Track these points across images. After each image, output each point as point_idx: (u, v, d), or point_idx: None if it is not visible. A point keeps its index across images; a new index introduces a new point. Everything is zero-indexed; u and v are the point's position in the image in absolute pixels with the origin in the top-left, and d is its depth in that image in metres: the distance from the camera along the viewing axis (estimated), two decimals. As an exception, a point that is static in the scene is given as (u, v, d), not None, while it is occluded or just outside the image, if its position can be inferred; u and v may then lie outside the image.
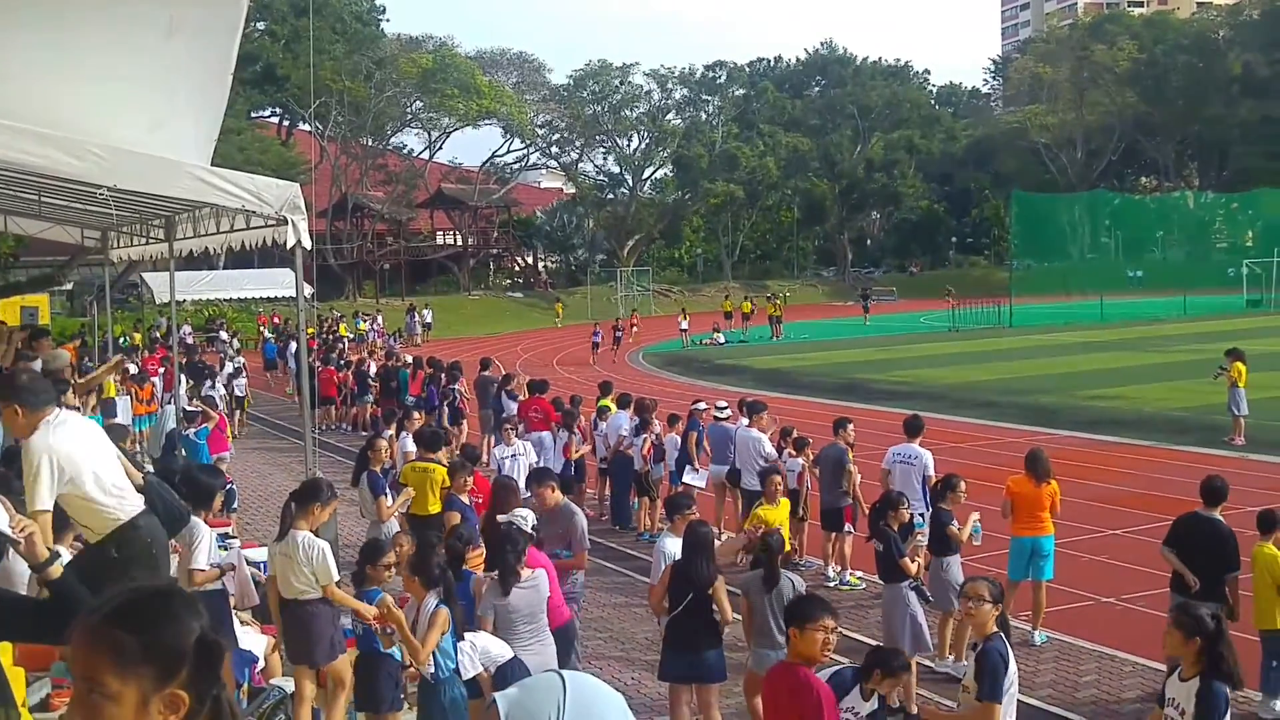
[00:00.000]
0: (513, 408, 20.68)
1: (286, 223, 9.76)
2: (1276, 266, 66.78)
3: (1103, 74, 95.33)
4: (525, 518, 9.93)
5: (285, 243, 9.96)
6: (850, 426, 14.98)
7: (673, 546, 9.69)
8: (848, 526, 14.52)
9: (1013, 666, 6.84)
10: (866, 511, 12.81)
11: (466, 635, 8.28)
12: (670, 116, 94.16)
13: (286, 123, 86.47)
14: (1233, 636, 10.39)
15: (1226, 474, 11.63)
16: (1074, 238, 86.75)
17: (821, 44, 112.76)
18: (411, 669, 8.58)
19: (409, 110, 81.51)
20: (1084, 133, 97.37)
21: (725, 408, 17.57)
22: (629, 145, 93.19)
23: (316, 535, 8.94)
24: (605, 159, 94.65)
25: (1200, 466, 17.97)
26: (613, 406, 18.88)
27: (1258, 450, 22.30)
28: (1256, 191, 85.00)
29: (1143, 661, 11.11)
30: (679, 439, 17.28)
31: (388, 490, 13.09)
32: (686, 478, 16.58)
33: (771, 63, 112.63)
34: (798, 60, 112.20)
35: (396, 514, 13.08)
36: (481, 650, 8.26)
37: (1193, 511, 10.50)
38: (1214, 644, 6.44)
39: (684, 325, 55.43)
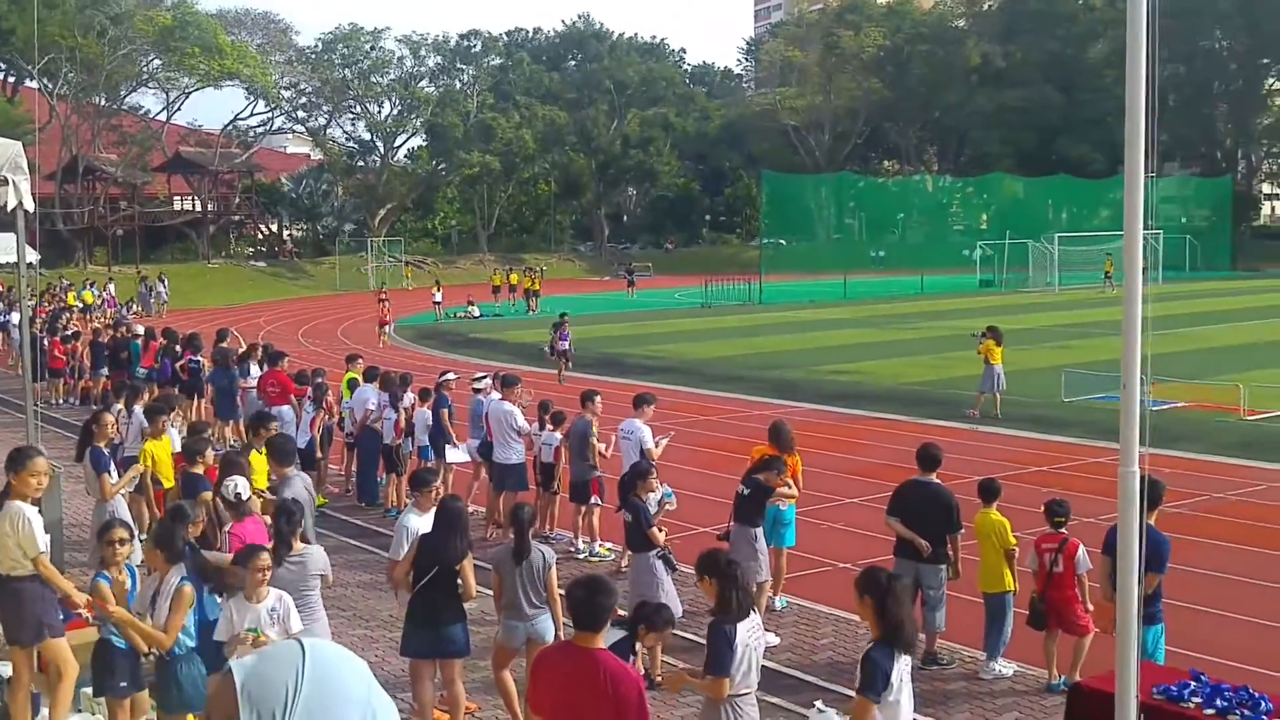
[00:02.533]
0: (252, 381, 20.09)
1: (6, 183, 9.28)
2: (1007, 249, 70.92)
3: (849, 60, 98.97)
4: (235, 483, 9.79)
5: (5, 204, 9.48)
6: (598, 399, 15.17)
7: (415, 522, 9.61)
8: (595, 499, 14.72)
9: (741, 638, 7.00)
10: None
11: (274, 592, 8.08)
12: (424, 84, 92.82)
13: (12, 79, 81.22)
14: (959, 598, 11.11)
15: (962, 445, 12.30)
16: (821, 218, 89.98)
17: (579, 17, 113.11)
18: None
19: (146, 69, 77.67)
20: (831, 116, 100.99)
21: (482, 378, 17.52)
22: (380, 112, 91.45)
23: (39, 510, 8.52)
24: (355, 125, 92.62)
25: (932, 437, 19.02)
26: (360, 379, 18.55)
27: (987, 424, 23.67)
28: (991, 176, 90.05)
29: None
30: (429, 414, 17.13)
31: (112, 467, 12.52)
32: (449, 456, 16.47)
33: (529, 34, 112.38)
34: (555, 33, 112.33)
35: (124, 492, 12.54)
36: (284, 613, 8.05)
37: (912, 479, 11.09)
38: (884, 601, 6.64)
39: (437, 298, 54.89)
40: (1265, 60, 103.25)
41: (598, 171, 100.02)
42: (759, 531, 11.57)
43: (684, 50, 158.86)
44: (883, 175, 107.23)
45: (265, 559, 8.06)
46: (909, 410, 25.66)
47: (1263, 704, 7.43)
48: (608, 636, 6.42)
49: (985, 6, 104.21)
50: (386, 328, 43.52)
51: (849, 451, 21.14)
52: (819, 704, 8.28)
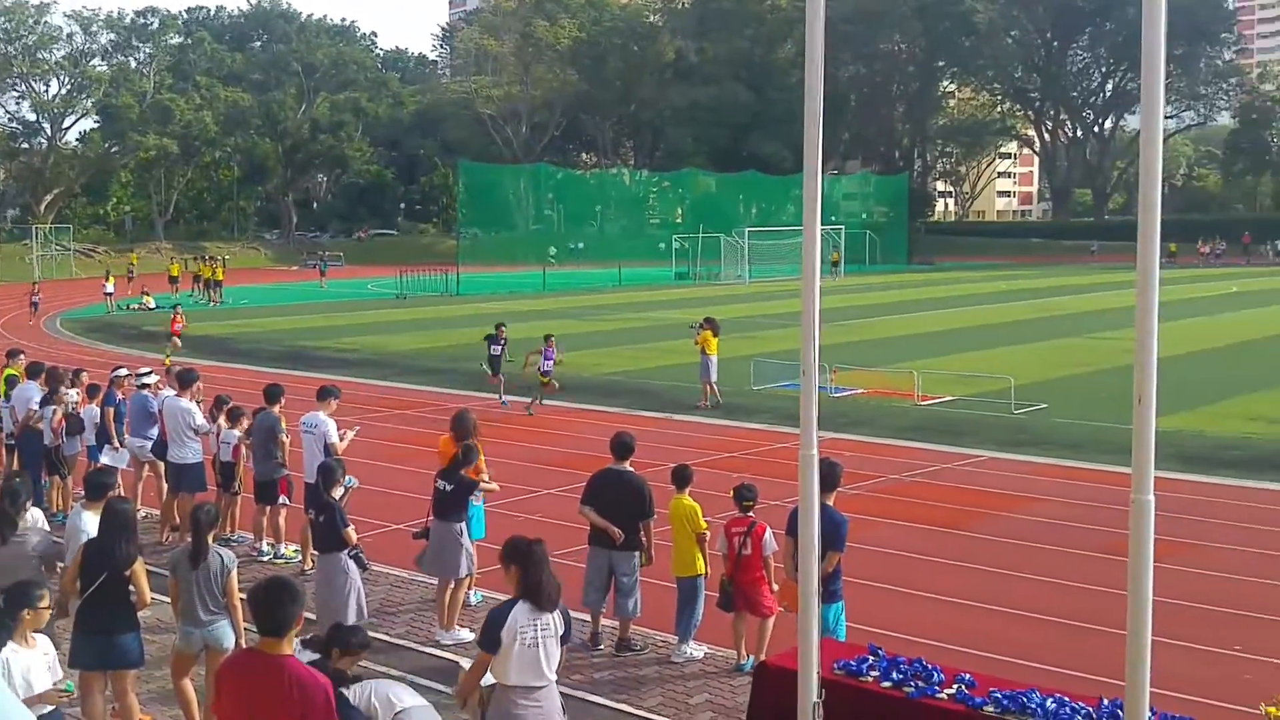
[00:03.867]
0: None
1: None
2: (701, 241, 73.14)
3: (546, 50, 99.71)
4: None
5: None
6: (282, 395, 14.68)
7: (89, 524, 9.11)
8: (282, 498, 14.25)
9: (518, 622, 7.02)
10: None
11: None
12: (96, 62, 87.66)
13: None
14: (652, 583, 11.35)
15: (658, 433, 12.52)
16: (519, 209, 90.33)
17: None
18: None
19: None
20: (529, 106, 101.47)
21: (149, 373, 16.63)
22: (47, 91, 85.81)
23: None
24: (19, 105, 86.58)
25: (630, 426, 19.37)
26: (22, 375, 17.31)
27: (733, 416, 24.26)
28: (686, 171, 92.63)
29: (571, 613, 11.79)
30: (98, 411, 16.16)
31: None
32: (104, 457, 15.51)
33: (211, 12, 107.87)
34: (239, 12, 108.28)
35: None
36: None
37: (606, 467, 11.27)
38: (526, 567, 7.08)
39: (109, 289, 51.94)
40: (940, 63, 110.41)
41: (285, 156, 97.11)
42: (463, 527, 11.50)
43: (375, 34, 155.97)
44: (581, 167, 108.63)
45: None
46: (607, 400, 26.05)
47: (935, 675, 7.87)
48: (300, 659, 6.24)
49: (679, 4, 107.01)
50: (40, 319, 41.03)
51: (546, 443, 21.28)
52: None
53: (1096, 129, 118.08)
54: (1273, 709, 6.44)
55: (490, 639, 6.93)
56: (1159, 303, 5.56)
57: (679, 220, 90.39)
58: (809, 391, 7.14)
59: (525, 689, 6.99)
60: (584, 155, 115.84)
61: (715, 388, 25.13)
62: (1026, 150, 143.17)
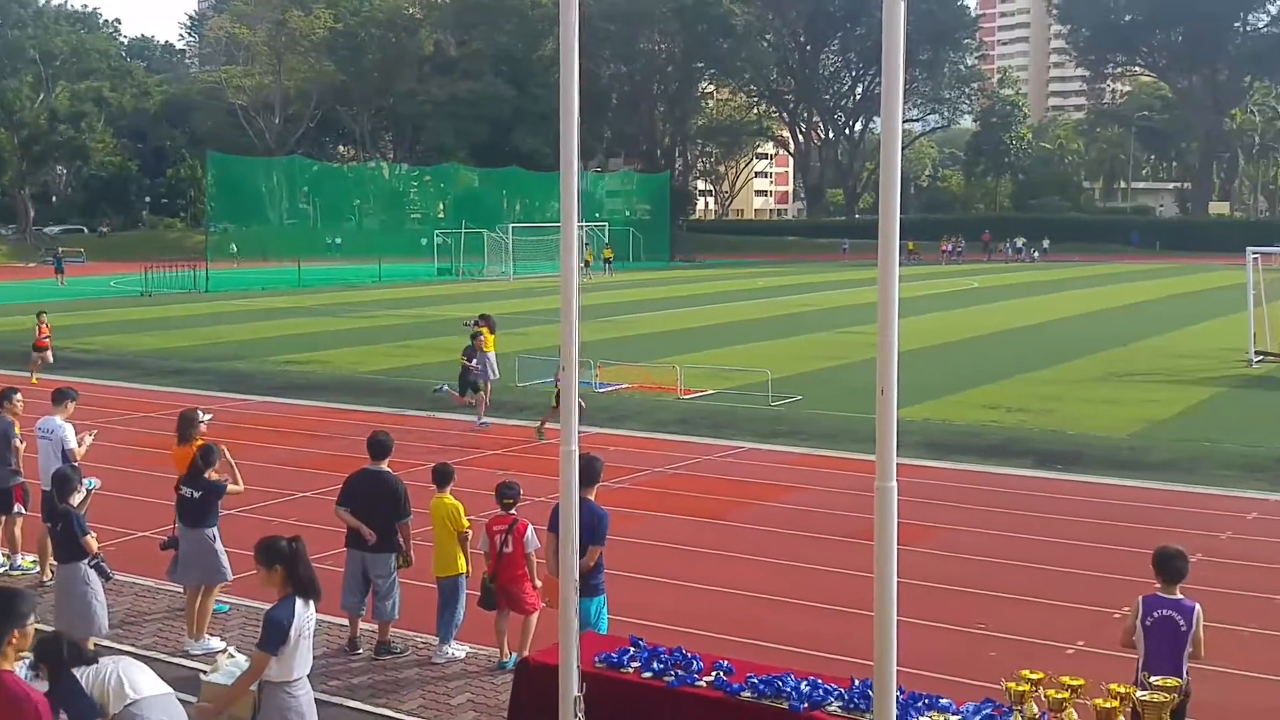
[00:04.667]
0: None
1: None
2: (464, 237, 72.63)
3: (300, 40, 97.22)
4: None
5: None
6: (17, 397, 13.85)
7: None
8: (18, 506, 13.45)
9: (299, 620, 7.08)
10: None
11: None
12: None
13: None
14: (413, 585, 11.18)
15: (422, 431, 12.33)
16: (273, 203, 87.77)
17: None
18: None
19: None
20: (282, 98, 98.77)
21: None
22: None
23: None
24: None
25: (391, 426, 19.06)
26: None
27: (498, 413, 24.01)
28: (447, 166, 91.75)
29: (325, 618, 11.49)
30: None
31: None
32: None
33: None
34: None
35: None
36: None
37: (363, 468, 11.07)
38: (293, 566, 7.16)
39: None
40: (699, 64, 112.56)
41: (21, 148, 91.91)
42: (214, 531, 11.14)
43: (119, 21, 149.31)
44: (338, 160, 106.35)
45: None
46: (367, 399, 25.57)
47: (695, 663, 8.01)
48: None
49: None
50: None
51: (303, 444, 20.75)
52: (231, 649, 9.30)
53: (847, 131, 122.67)
54: (1013, 684, 6.78)
55: (279, 640, 7.00)
56: (903, 298, 5.79)
57: (441, 215, 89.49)
58: (569, 387, 7.16)
59: (299, 681, 7.16)
60: (341, 148, 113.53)
61: (488, 386, 24.90)
62: (782, 151, 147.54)
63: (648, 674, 7.96)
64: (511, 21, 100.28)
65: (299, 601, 7.14)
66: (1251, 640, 11.03)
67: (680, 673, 7.90)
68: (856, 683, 7.48)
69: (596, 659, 8.11)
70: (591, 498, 9.43)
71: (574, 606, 7.27)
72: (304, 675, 7.22)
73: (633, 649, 8.28)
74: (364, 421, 22.16)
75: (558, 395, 19.67)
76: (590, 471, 9.26)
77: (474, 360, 22.63)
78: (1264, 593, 12.51)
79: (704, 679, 7.81)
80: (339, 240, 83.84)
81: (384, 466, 10.93)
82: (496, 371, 24.94)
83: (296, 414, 23.84)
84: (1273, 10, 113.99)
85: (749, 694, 7.54)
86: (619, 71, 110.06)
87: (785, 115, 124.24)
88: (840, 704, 7.34)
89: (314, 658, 7.44)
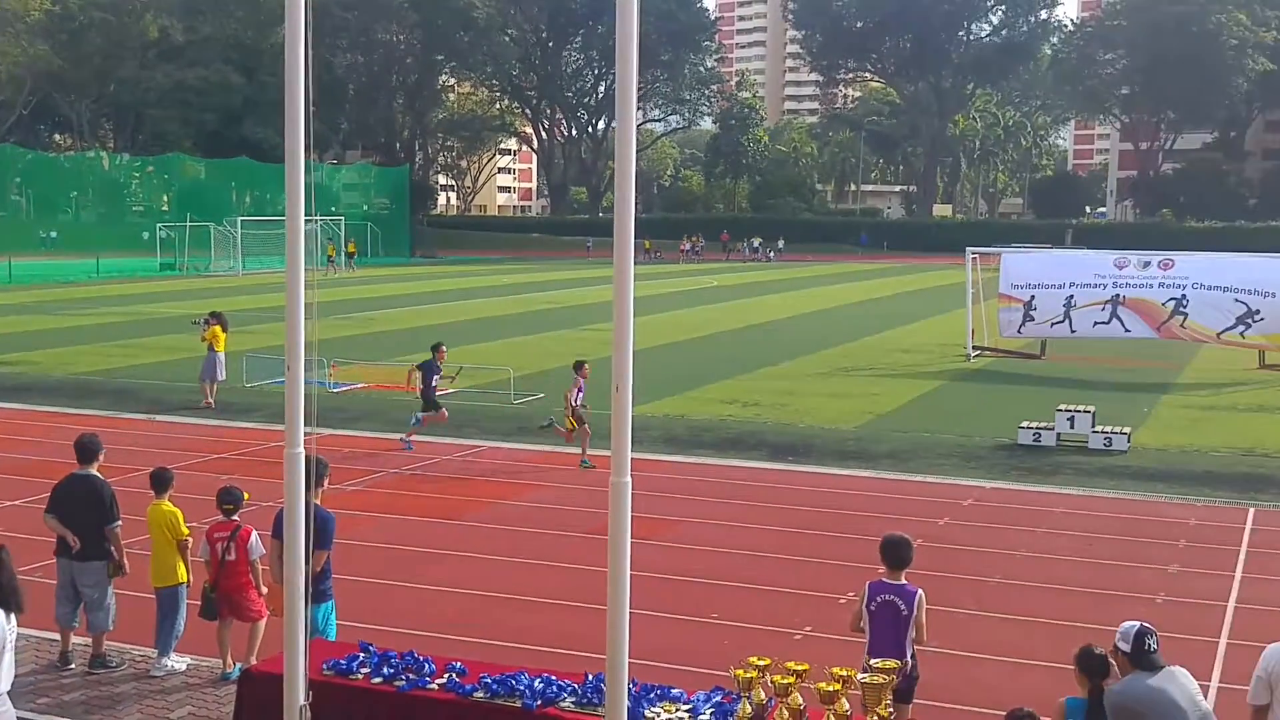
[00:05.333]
0: None
1: None
2: (190, 231, 69.88)
3: (13, 22, 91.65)
4: None
5: None
6: None
7: None
8: None
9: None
10: None
11: None
12: None
13: None
14: (130, 595, 10.66)
15: (142, 435, 11.80)
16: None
17: None
18: None
19: None
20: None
21: None
22: None
23: None
24: None
25: (109, 429, 18.16)
26: None
27: (224, 415, 23.07)
28: (172, 156, 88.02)
29: (35, 632, 10.87)
30: None
31: None
32: None
33: None
34: None
35: None
36: None
37: (71, 473, 10.53)
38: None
39: None
40: (439, 56, 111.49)
41: None
42: None
43: None
44: (53, 150, 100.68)
45: None
46: (82, 402, 24.28)
47: (427, 666, 7.92)
48: None
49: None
50: None
51: (10, 449, 19.55)
52: None
53: (590, 129, 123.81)
54: (741, 672, 6.96)
55: None
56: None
57: (165, 208, 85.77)
58: (294, 388, 6.98)
59: (2, 695, 6.89)
60: (58, 137, 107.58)
61: (214, 386, 24.06)
62: (526, 147, 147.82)
63: (378, 679, 7.83)
64: (242, 8, 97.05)
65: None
66: (970, 621, 11.66)
67: (412, 676, 7.81)
68: (590, 677, 7.54)
69: (325, 666, 7.93)
70: (317, 500, 9.21)
71: (301, 612, 7.10)
72: (4, 691, 6.86)
73: (362, 654, 8.13)
74: (76, 425, 21.04)
75: (572, 415, 18.78)
76: (315, 473, 9.05)
77: (435, 378, 20.20)
78: (980, 575, 13.25)
79: (436, 682, 7.74)
80: (54, 234, 79.29)
81: (92, 470, 10.40)
82: (224, 371, 24.20)
83: (2, 418, 22.45)
84: (994, 21, 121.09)
85: (482, 694, 7.51)
86: (356, 62, 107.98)
87: (528, 111, 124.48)
88: (574, 700, 7.40)
89: (19, 674, 7.07)
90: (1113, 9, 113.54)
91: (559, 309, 46.12)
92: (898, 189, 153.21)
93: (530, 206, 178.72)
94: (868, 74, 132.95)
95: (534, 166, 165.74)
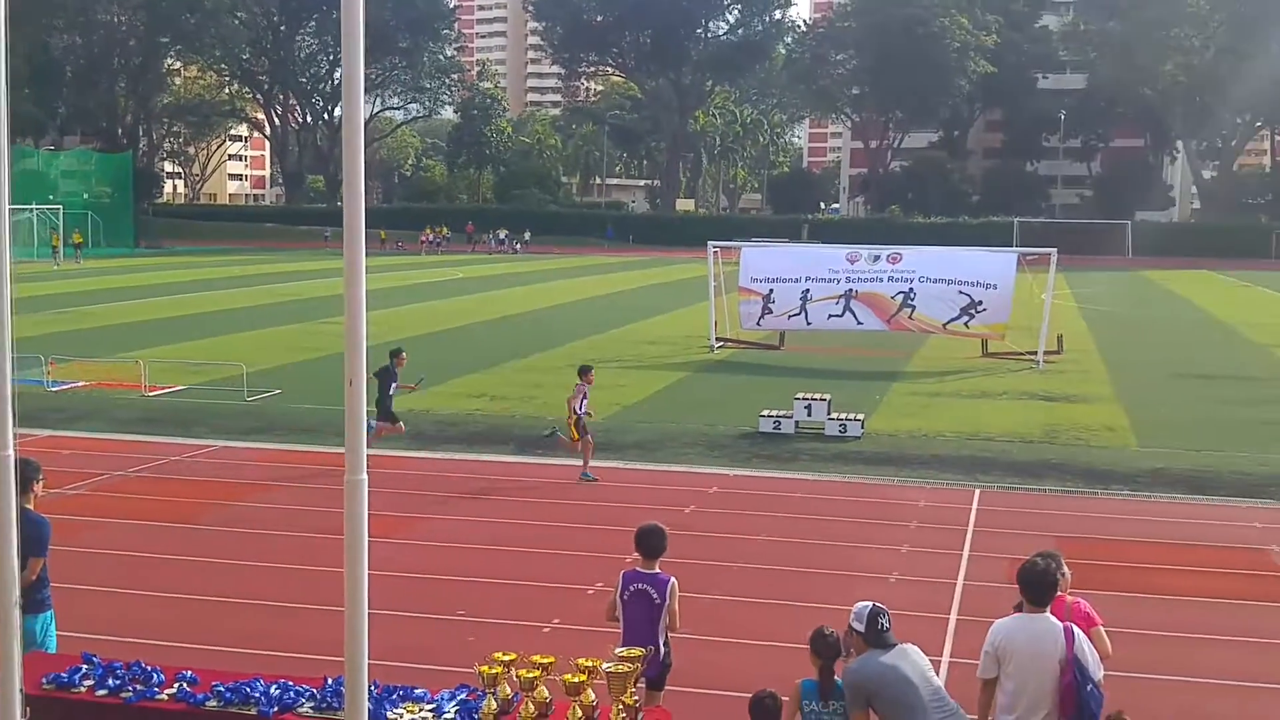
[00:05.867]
0: None
1: None
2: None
3: None
4: None
5: None
6: None
7: None
8: None
9: None
10: None
11: None
12: None
13: None
14: None
15: None
16: None
17: None
18: None
19: None
20: None
21: None
22: None
23: None
24: None
25: None
26: None
27: None
28: None
29: None
30: None
31: None
32: None
33: None
34: None
35: None
36: None
37: None
38: None
39: None
40: (164, 39, 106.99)
41: None
42: None
43: None
44: None
45: None
46: None
47: (155, 676, 7.56)
48: None
49: None
50: None
51: None
52: None
53: (326, 116, 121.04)
54: (485, 668, 6.89)
55: None
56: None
57: None
58: (1, 386, 6.52)
59: None
60: None
61: None
62: (258, 134, 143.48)
63: (103, 691, 7.43)
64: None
65: None
66: (715, 606, 11.90)
67: (139, 687, 7.44)
68: (330, 681, 7.34)
69: (44, 680, 7.48)
70: (29, 505, 8.66)
71: (15, 624, 6.66)
72: None
73: (85, 666, 7.71)
74: None
75: (576, 424, 17.56)
76: (23, 475, 8.50)
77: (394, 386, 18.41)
78: (725, 561, 13.55)
79: (166, 692, 7.39)
80: None
81: None
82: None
83: None
84: (730, 20, 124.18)
85: (215, 703, 7.22)
86: (74, 43, 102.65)
87: (260, 97, 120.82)
88: (312, 704, 7.19)
89: None
90: (843, 11, 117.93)
91: (295, 302, 44.93)
92: (642, 183, 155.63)
93: (264, 195, 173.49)
94: (609, 68, 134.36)
95: (267, 154, 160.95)
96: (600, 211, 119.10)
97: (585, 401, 17.76)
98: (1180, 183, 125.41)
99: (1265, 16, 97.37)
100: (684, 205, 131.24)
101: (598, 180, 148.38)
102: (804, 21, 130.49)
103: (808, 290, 30.95)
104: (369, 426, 18.24)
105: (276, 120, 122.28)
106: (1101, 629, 7.66)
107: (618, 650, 7.13)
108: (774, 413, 21.35)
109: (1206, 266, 76.89)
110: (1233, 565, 13.88)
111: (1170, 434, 21.75)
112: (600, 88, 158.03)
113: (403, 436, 18.81)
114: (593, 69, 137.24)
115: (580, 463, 17.73)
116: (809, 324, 31.33)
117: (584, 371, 18.13)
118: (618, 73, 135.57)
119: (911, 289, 30.40)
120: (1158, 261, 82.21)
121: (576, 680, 6.69)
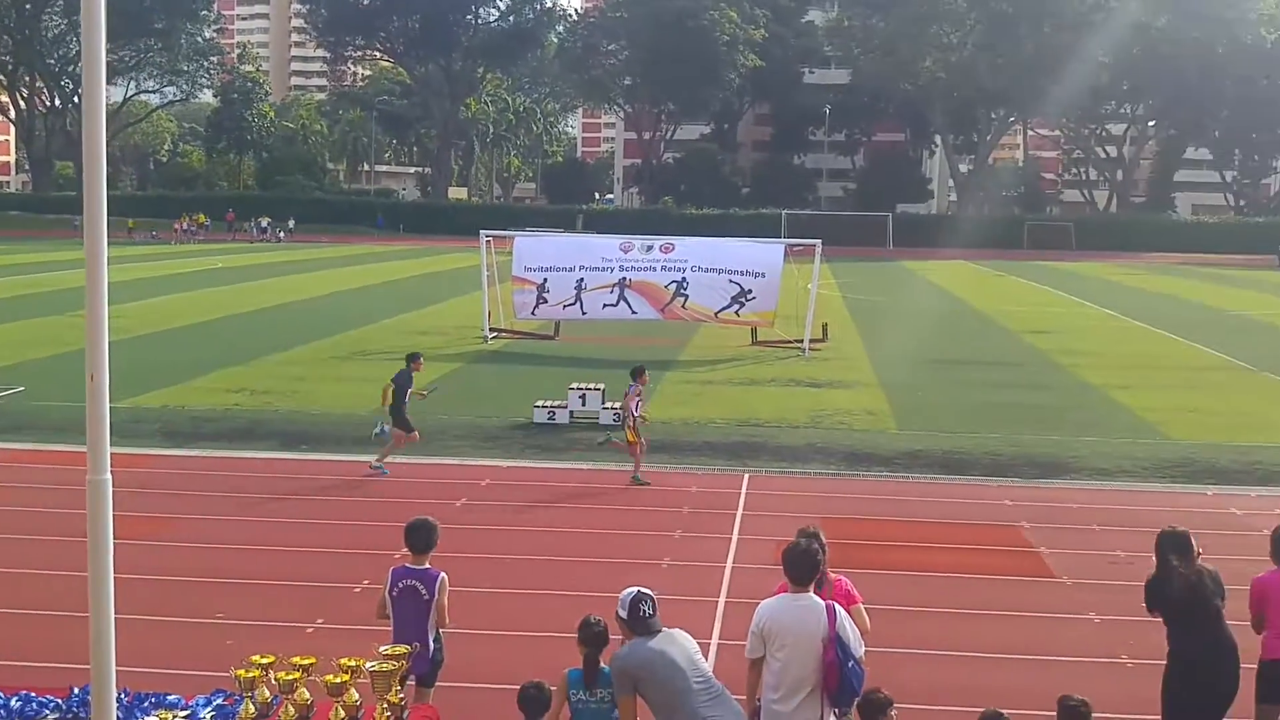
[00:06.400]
0: None
1: None
2: None
3: None
4: None
5: None
6: None
7: None
8: None
9: None
10: None
11: None
12: None
13: None
14: None
15: None
16: None
17: None
18: None
19: None
20: None
21: None
22: None
23: None
24: None
25: None
26: None
27: None
28: None
29: None
30: None
31: None
32: None
33: None
34: None
35: None
36: None
37: None
38: None
39: None
40: None
41: None
42: None
43: None
44: None
45: None
46: None
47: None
48: None
49: None
50: None
51: None
52: None
53: (76, 99, 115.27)
54: (242, 671, 6.70)
55: None
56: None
57: None
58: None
59: None
60: None
61: None
62: (2, 118, 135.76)
63: None
64: None
65: None
66: (488, 599, 11.84)
67: None
68: (76, 690, 7.01)
69: None
70: None
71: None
72: None
73: None
74: None
75: (634, 426, 16.86)
76: None
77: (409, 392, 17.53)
78: (500, 554, 13.48)
79: (-112, 711, 6.94)
80: None
81: None
82: None
83: None
84: (501, 6, 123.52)
85: (-54, 721, 6.81)
86: None
87: (3, 79, 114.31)
88: (57, 715, 6.87)
89: None
90: (614, 1, 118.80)
91: (42, 294, 42.67)
92: (413, 170, 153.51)
93: (9, 182, 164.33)
94: (377, 52, 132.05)
95: (12, 139, 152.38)
96: (370, 199, 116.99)
97: (641, 403, 17.48)
98: (939, 176, 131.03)
99: (1019, 14, 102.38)
100: (456, 193, 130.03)
101: (366, 167, 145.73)
102: (575, 10, 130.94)
103: (582, 279, 31.08)
104: (381, 432, 17.66)
105: (22, 103, 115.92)
106: (861, 606, 7.93)
107: (383, 648, 7.02)
108: (548, 403, 21.37)
109: (963, 257, 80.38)
110: (986, 542, 14.59)
111: (927, 417, 22.69)
112: (368, 72, 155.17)
113: (416, 443, 17.80)
114: (360, 53, 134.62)
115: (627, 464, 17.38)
116: (584, 313, 31.47)
117: (639, 373, 17.65)
118: (386, 58, 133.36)
119: (684, 278, 30.86)
120: (917, 252, 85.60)
121: (339, 681, 6.55)
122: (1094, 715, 7.60)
